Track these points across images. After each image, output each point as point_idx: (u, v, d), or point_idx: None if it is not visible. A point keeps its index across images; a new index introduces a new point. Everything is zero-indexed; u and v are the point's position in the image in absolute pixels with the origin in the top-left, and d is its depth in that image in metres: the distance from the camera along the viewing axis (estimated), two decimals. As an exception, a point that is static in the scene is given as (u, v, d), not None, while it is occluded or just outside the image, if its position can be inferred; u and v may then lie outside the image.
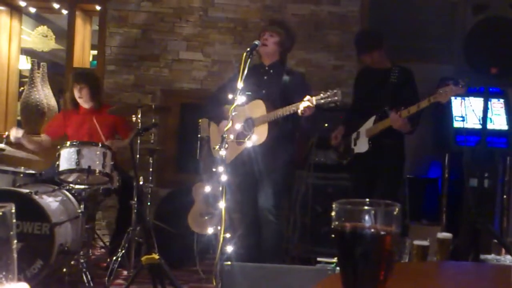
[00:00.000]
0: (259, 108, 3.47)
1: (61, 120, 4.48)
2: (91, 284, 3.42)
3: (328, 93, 3.24)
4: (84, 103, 4.34)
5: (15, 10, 5.81)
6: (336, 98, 3.22)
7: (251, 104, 3.48)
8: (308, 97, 3.28)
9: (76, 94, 4.30)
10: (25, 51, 6.81)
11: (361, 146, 3.91)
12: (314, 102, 3.25)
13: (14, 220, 0.56)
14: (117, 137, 4.40)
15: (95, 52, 5.90)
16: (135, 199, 3.72)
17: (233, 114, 3.12)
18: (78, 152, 3.62)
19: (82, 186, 3.70)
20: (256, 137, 3.45)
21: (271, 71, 3.60)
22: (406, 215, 4.45)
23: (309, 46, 5.23)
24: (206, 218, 4.00)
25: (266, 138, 3.42)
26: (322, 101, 3.25)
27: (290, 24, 3.85)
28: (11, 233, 0.55)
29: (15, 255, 0.55)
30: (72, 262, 3.55)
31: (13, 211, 0.56)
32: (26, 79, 5.72)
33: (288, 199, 4.52)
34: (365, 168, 3.93)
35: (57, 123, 4.49)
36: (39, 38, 6.69)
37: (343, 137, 4.07)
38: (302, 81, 3.70)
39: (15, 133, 4.18)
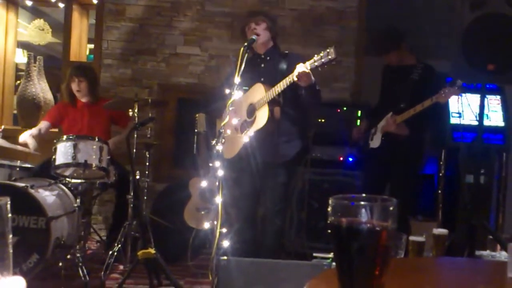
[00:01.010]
0: (258, 91, 3.38)
1: (59, 111, 4.47)
2: (87, 278, 3.42)
3: (321, 54, 3.03)
4: (82, 97, 4.34)
5: (11, 3, 5.78)
6: (330, 57, 2.98)
7: (251, 90, 3.41)
8: (300, 63, 3.12)
9: (75, 87, 4.30)
10: (22, 45, 6.78)
11: (375, 141, 4.01)
12: (308, 67, 3.07)
13: (10, 215, 0.56)
14: (114, 131, 4.39)
15: (92, 46, 5.88)
16: (132, 194, 3.71)
17: (231, 109, 3.12)
18: (75, 146, 3.61)
19: (79, 180, 3.69)
20: (257, 121, 3.35)
21: (268, 58, 3.54)
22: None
23: (306, 41, 5.22)
24: (202, 213, 4.00)
25: (267, 119, 3.29)
26: (316, 63, 3.04)
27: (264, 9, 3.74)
28: (7, 227, 0.55)
29: (10, 249, 0.55)
30: (68, 256, 3.54)
31: (9, 205, 0.55)
32: (23, 73, 5.70)
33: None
34: (378, 163, 4.03)
35: (56, 112, 4.48)
36: (36, 31, 6.65)
37: (365, 132, 4.18)
38: (299, 58, 3.61)
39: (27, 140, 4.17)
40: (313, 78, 3.18)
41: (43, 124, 4.41)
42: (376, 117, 4.12)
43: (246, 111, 3.43)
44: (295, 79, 3.11)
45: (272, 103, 3.31)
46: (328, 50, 3.00)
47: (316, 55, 3.06)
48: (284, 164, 3.45)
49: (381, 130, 3.96)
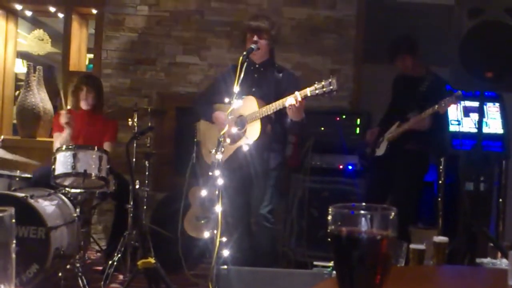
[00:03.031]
0: (250, 105, 3.39)
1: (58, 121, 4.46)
2: (87, 288, 3.41)
3: (323, 83, 3.03)
4: (86, 106, 4.34)
5: (11, 13, 5.79)
6: (331, 87, 2.99)
7: (242, 101, 3.44)
8: (296, 92, 3.11)
9: (82, 96, 4.30)
10: (21, 55, 6.80)
11: (381, 149, 4.12)
12: (308, 94, 3.06)
13: (14, 221, 0.56)
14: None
15: (91, 55, 5.89)
16: (131, 203, 3.71)
17: (230, 118, 3.12)
18: (74, 156, 3.61)
19: (78, 190, 3.68)
20: (249, 135, 3.37)
21: (262, 69, 3.55)
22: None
23: (305, 50, 5.23)
24: (202, 222, 4.00)
25: (259, 135, 3.32)
26: (317, 91, 3.04)
27: (270, 16, 3.68)
28: (10, 238, 0.55)
29: (13, 260, 0.55)
30: (68, 266, 3.53)
31: (13, 215, 0.56)
32: (22, 83, 5.71)
33: (284, 203, 4.52)
34: (381, 171, 4.12)
35: (58, 122, 4.47)
36: (35, 41, 6.67)
37: (376, 137, 4.26)
38: (293, 78, 3.66)
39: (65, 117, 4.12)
40: (303, 115, 3.22)
41: (58, 137, 4.26)
42: (384, 126, 4.20)
43: (234, 122, 3.45)
44: (286, 104, 3.13)
45: (264, 119, 3.34)
46: (330, 80, 2.99)
47: (317, 82, 3.05)
48: (269, 171, 3.49)
49: (387, 139, 4.05)
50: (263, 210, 3.48)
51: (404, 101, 4.09)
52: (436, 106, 3.69)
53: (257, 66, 3.55)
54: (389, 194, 4.08)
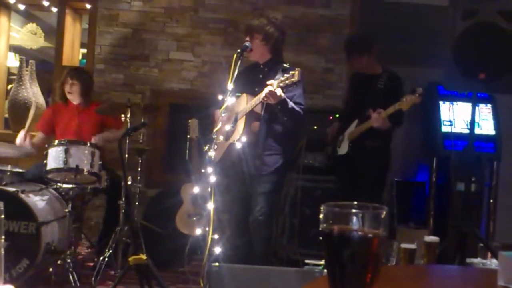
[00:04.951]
0: (242, 102, 3.40)
1: (50, 115, 4.44)
2: (78, 284, 3.40)
3: (287, 75, 3.07)
4: (73, 100, 4.32)
5: (4, 7, 5.76)
6: (293, 79, 3.02)
7: (238, 99, 3.43)
8: (271, 81, 3.15)
9: (67, 88, 4.28)
10: (14, 48, 6.76)
11: (343, 148, 4.07)
12: (275, 86, 3.08)
13: (3, 216, 0.56)
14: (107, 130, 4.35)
15: (84, 50, 5.87)
16: (123, 199, 3.70)
17: (223, 115, 3.12)
18: (66, 151, 3.59)
19: (70, 185, 3.67)
20: (237, 131, 3.35)
21: (266, 69, 3.53)
22: (393, 218, 4.49)
23: (299, 49, 5.23)
24: (194, 219, 3.99)
25: (242, 130, 3.28)
26: (281, 84, 3.08)
27: (271, 17, 3.65)
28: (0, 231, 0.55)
29: (2, 255, 0.55)
30: (59, 262, 3.52)
31: (2, 210, 0.55)
32: (15, 77, 5.68)
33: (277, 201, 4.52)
34: (347, 170, 4.07)
35: (47, 118, 4.45)
36: (28, 35, 6.64)
37: (337, 135, 4.21)
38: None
39: (21, 136, 4.13)
40: (283, 95, 3.18)
41: (40, 135, 4.38)
42: (345, 122, 4.16)
43: (232, 120, 3.44)
44: (262, 95, 3.11)
45: (250, 116, 3.32)
46: (292, 72, 3.02)
47: (285, 74, 3.09)
48: (265, 175, 3.45)
49: (348, 137, 4.01)
50: (258, 214, 3.44)
51: (362, 98, 4.03)
52: (398, 104, 3.59)
53: (261, 66, 3.54)
54: (359, 192, 4.01)
